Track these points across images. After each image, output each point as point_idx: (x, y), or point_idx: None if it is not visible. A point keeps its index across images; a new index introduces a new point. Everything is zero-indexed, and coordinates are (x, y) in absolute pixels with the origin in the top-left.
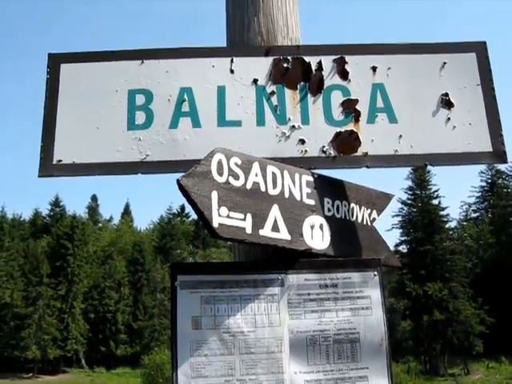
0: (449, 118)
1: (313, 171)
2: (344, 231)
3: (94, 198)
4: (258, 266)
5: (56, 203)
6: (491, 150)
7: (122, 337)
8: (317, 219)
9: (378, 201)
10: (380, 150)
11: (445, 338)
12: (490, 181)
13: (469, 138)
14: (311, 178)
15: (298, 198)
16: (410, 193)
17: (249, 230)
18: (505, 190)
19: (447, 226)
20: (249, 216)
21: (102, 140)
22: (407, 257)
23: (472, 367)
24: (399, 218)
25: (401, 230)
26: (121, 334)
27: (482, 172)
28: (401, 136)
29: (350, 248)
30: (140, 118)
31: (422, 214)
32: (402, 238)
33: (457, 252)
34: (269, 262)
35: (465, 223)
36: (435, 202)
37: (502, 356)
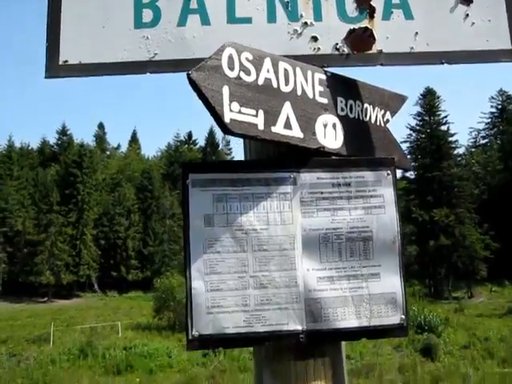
0: (467, 15)
1: (325, 69)
2: (357, 131)
3: (101, 126)
4: (269, 164)
5: (63, 132)
6: (510, 47)
7: (132, 262)
8: (330, 118)
9: (392, 102)
10: (395, 47)
11: (450, 262)
12: (500, 106)
13: (488, 35)
14: (324, 76)
15: (311, 96)
16: (419, 119)
17: (261, 127)
18: None
19: (455, 152)
20: (261, 112)
21: (109, 39)
22: (414, 183)
23: (475, 291)
24: (407, 144)
25: (408, 156)
26: (132, 260)
27: (492, 98)
28: (417, 33)
29: (363, 148)
30: (147, 15)
31: (430, 140)
32: (411, 164)
33: (464, 178)
34: (281, 160)
35: (473, 149)
36: (444, 128)
37: (506, 280)
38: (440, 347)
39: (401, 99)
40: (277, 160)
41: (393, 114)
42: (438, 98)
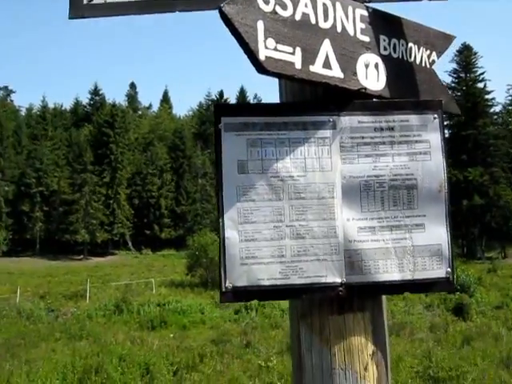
0: None
1: (367, 5)
2: (401, 72)
3: (133, 86)
4: (307, 106)
5: (95, 92)
6: None
7: (165, 221)
8: (372, 57)
9: (438, 41)
10: None
11: (483, 222)
12: None
13: None
14: (366, 12)
15: (352, 34)
16: (455, 76)
17: (298, 66)
18: None
19: (491, 110)
20: (298, 50)
21: None
22: (448, 141)
23: (509, 251)
24: None
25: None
26: (164, 218)
27: None
28: None
29: (408, 90)
30: None
31: (465, 98)
32: (444, 123)
33: (500, 137)
34: (319, 102)
35: (510, 107)
36: (480, 85)
37: None
38: (472, 307)
39: (448, 39)
40: (315, 102)
41: (439, 54)
42: (475, 54)
